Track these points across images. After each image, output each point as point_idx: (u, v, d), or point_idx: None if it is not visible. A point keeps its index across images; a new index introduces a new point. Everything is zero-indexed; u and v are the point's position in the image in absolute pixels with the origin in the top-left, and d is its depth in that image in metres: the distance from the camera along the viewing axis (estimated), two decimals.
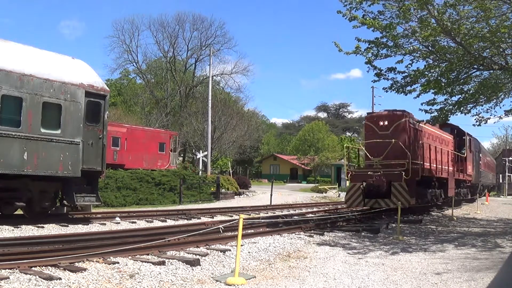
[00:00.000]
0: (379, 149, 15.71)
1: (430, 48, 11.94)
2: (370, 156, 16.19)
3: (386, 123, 16.05)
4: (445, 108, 12.98)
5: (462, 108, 13.05)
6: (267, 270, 7.03)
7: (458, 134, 23.86)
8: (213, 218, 15.28)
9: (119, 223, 13.22)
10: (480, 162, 29.43)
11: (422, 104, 13.88)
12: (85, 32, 72.89)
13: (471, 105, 13.39)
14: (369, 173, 15.56)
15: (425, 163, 16.90)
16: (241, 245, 7.00)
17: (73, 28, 76.23)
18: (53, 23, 71.66)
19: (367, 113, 17.74)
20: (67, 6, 68.48)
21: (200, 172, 33.56)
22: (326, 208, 20.97)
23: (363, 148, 17.57)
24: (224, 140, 46.66)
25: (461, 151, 23.25)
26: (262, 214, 16.92)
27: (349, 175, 16.54)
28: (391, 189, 14.98)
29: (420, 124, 17.15)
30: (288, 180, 60.76)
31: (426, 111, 14.15)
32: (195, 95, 54.89)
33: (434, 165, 17.90)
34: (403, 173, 14.79)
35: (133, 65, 57.66)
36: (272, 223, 12.29)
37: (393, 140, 15.41)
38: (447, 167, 19.93)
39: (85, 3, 68.96)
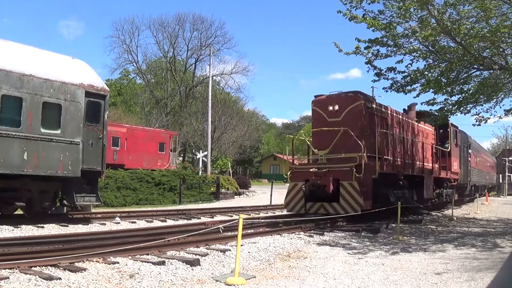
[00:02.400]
0: (327, 139, 13.05)
1: (430, 48, 11.95)
2: (314, 149, 13.49)
3: (336, 107, 13.30)
4: (445, 108, 12.99)
5: (462, 108, 13.06)
6: (267, 270, 7.02)
7: (441, 126, 20.25)
8: (213, 218, 15.27)
9: (119, 223, 13.23)
10: (470, 159, 26.18)
11: (422, 104, 13.93)
12: (84, 32, 72.97)
13: (471, 105, 13.40)
14: (311, 170, 12.88)
15: (387, 158, 14.16)
16: (241, 245, 7.00)
17: (72, 28, 76.29)
18: (52, 23, 71.71)
19: (315, 96, 14.31)
20: (66, 5, 68.54)
21: (200, 172, 33.57)
22: None
23: (308, 139, 14.56)
24: (224, 140, 46.68)
25: (443, 145, 19.99)
26: (262, 214, 16.93)
27: (289, 173, 13.69)
28: (339, 190, 12.43)
29: (384, 110, 14.63)
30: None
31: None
32: (195, 95, 54.90)
33: (402, 160, 15.21)
34: (355, 169, 12.19)
35: (133, 65, 57.70)
36: (272, 223, 12.28)
37: (341, 128, 12.70)
38: (422, 163, 16.89)
39: (84, 3, 69.06)
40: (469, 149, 25.83)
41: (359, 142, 12.34)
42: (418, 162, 16.69)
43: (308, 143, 14.05)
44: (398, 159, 15.13)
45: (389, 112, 15.02)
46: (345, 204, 12.26)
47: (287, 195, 13.54)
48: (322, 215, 12.44)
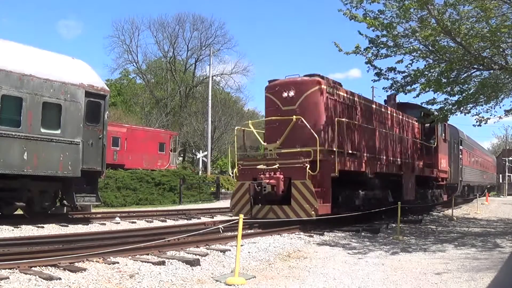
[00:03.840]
0: (281, 131, 11.50)
1: (430, 48, 11.94)
2: (263, 142, 11.89)
3: (291, 94, 11.60)
4: (445, 108, 12.98)
5: (462, 108, 13.04)
6: (267, 270, 7.02)
7: (425, 118, 17.72)
8: (213, 218, 15.27)
9: (119, 223, 13.23)
10: (461, 156, 24.09)
11: (422, 103, 13.90)
12: (83, 32, 72.97)
13: (471, 105, 13.38)
14: (258, 166, 11.18)
15: (353, 153, 12.45)
16: (241, 245, 7.00)
17: (71, 27, 76.29)
18: (51, 23, 71.69)
19: (269, 81, 12.60)
20: (65, 5, 68.51)
21: (200, 172, 33.56)
22: None
23: (259, 131, 13.05)
24: (224, 140, 46.66)
25: (429, 141, 17.99)
26: None
27: (235, 170, 11.90)
28: (291, 191, 10.79)
29: (353, 98, 13.03)
30: None
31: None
32: (195, 95, 54.88)
33: (373, 156, 13.41)
34: (308, 166, 10.58)
35: (133, 65, 57.64)
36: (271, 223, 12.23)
37: (293, 117, 11.05)
38: (400, 160, 15.19)
39: (83, 3, 69.05)
40: (460, 146, 23.88)
41: (314, 133, 10.69)
42: (395, 159, 14.95)
43: (257, 135, 12.26)
44: (368, 155, 13.24)
45: (359, 100, 13.39)
46: (297, 208, 10.57)
47: (233, 196, 11.88)
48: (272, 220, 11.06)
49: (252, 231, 10.84)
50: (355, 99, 13.27)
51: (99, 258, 6.72)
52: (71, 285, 5.51)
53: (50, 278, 5.54)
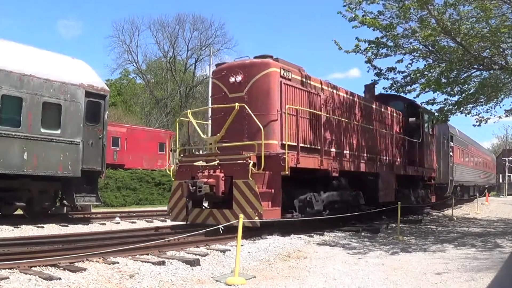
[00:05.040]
0: (225, 122, 10.09)
1: (430, 48, 11.95)
2: (203, 135, 10.67)
3: (239, 78, 10.17)
4: (445, 108, 12.99)
5: (462, 108, 13.05)
6: (267, 270, 7.02)
7: (411, 112, 16.45)
8: None
9: (119, 223, 13.23)
10: (452, 153, 22.02)
11: (422, 103, 13.91)
12: (83, 32, 72.98)
13: (471, 105, 13.39)
14: (196, 163, 9.78)
15: (314, 147, 10.87)
16: (241, 245, 6.99)
17: (71, 27, 76.28)
18: (51, 23, 71.69)
19: (216, 65, 11.50)
20: (64, 5, 68.50)
21: None
22: None
23: (199, 121, 11.27)
24: None
25: (414, 136, 16.23)
26: None
27: (172, 168, 10.69)
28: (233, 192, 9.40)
29: (316, 85, 11.50)
30: None
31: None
32: (195, 95, 54.88)
33: (338, 151, 11.80)
34: (251, 162, 9.19)
35: (133, 65, 57.65)
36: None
37: (236, 105, 9.59)
38: (375, 156, 13.56)
39: (82, 3, 69.03)
40: (451, 142, 21.90)
41: (259, 124, 9.29)
42: (369, 155, 13.33)
43: (196, 126, 10.87)
44: (333, 150, 11.68)
45: (324, 87, 11.80)
46: (239, 212, 8.85)
47: (170, 198, 10.50)
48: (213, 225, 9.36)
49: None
50: (319, 85, 11.59)
51: (99, 258, 6.72)
52: (71, 285, 5.51)
53: (50, 278, 5.54)
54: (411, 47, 12.15)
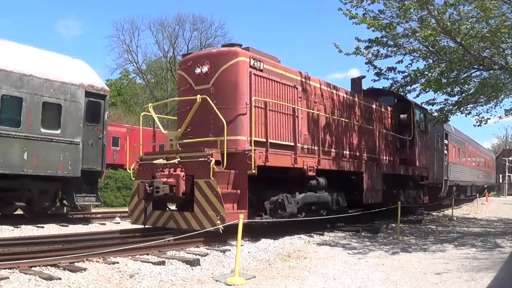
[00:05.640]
0: (184, 114, 9.47)
1: (430, 48, 11.95)
2: (163, 130, 10.10)
3: (205, 69, 9.48)
4: (445, 108, 12.99)
5: (462, 108, 13.05)
6: (267, 270, 7.02)
7: (403, 108, 15.64)
8: None
9: (119, 223, 13.23)
10: (447, 151, 21.03)
11: (422, 104, 13.91)
12: (83, 32, 72.97)
13: (471, 105, 13.40)
14: (156, 161, 9.18)
15: (280, 143, 9.89)
16: (241, 245, 6.99)
17: (71, 27, 76.25)
18: (51, 23, 71.67)
19: (183, 55, 10.88)
20: (64, 5, 68.47)
21: None
22: None
23: (160, 116, 10.14)
24: None
25: (404, 133, 15.41)
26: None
27: (132, 166, 10.00)
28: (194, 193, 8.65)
29: (292, 76, 10.64)
30: None
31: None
32: None
33: (317, 149, 10.85)
34: (213, 160, 8.40)
35: (133, 65, 57.63)
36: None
37: (198, 97, 8.90)
38: (360, 154, 12.76)
39: (82, 3, 69.01)
40: (446, 140, 20.79)
41: (222, 118, 8.56)
42: (353, 153, 12.57)
43: (157, 121, 10.22)
44: (310, 147, 10.86)
45: (302, 80, 10.99)
46: (200, 215, 8.41)
47: (131, 199, 9.89)
48: (173, 229, 8.93)
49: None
50: (297, 77, 10.84)
51: (99, 258, 6.72)
52: (71, 285, 5.51)
53: (50, 278, 5.54)
54: (411, 47, 12.16)
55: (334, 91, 12.32)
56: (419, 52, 12.23)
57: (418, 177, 16.46)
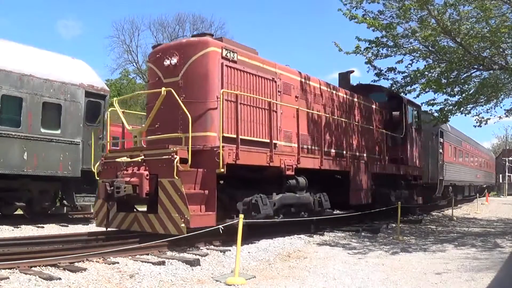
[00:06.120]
0: (160, 111, 8.76)
1: (430, 48, 11.96)
2: (128, 126, 9.40)
3: (174, 61, 8.92)
4: (445, 109, 13.00)
5: (462, 108, 13.06)
6: (267, 270, 7.03)
7: (395, 104, 15.00)
8: None
9: None
10: (443, 150, 20.27)
11: (422, 104, 13.91)
12: (83, 32, 72.94)
13: (471, 106, 13.41)
14: (119, 159, 8.50)
15: (254, 140, 9.22)
16: (241, 245, 6.99)
17: (71, 27, 76.20)
18: (50, 23, 71.60)
19: (152, 46, 10.12)
20: (64, 5, 68.40)
21: None
22: None
23: (126, 111, 10.37)
24: None
25: (396, 130, 14.83)
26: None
27: (97, 165, 9.28)
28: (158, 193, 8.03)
29: (270, 68, 10.03)
30: None
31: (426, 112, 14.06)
32: None
33: (296, 146, 10.20)
34: (177, 158, 7.76)
35: (133, 65, 57.67)
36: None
37: (162, 89, 8.30)
38: (346, 153, 12.07)
39: (82, 3, 68.94)
40: (441, 138, 19.94)
41: (187, 112, 7.92)
42: (338, 151, 11.90)
43: (121, 116, 9.41)
44: (288, 144, 10.17)
45: (282, 73, 10.39)
46: (165, 218, 7.82)
47: (96, 200, 9.44)
48: (138, 232, 8.35)
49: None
50: (276, 70, 10.21)
51: (99, 258, 6.72)
52: (71, 285, 5.51)
53: (50, 278, 5.54)
54: (411, 47, 12.17)
55: (318, 86, 11.63)
56: (419, 52, 12.23)
57: (410, 176, 15.81)
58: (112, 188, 7.94)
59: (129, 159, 8.42)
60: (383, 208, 13.17)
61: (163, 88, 8.34)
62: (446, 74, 12.03)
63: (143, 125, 9.12)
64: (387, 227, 12.77)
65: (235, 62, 9.14)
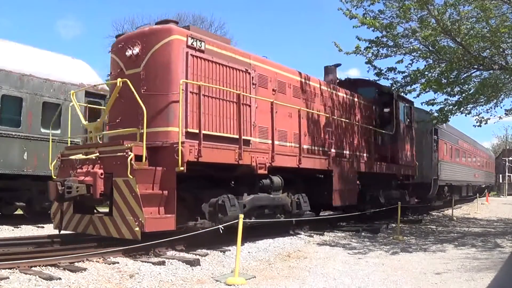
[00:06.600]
0: (120, 104, 8.17)
1: (430, 48, 11.96)
2: (84, 121, 8.89)
3: (136, 51, 8.24)
4: (445, 109, 13.00)
5: (462, 108, 13.06)
6: (267, 270, 7.03)
7: (385, 100, 14.33)
8: None
9: None
10: (437, 148, 19.28)
11: (422, 104, 13.91)
12: (83, 32, 72.92)
13: (471, 106, 13.41)
14: (73, 157, 7.92)
15: (219, 135, 8.43)
16: (241, 245, 6.99)
17: (70, 27, 76.13)
18: (50, 23, 71.54)
19: (116, 37, 9.66)
20: (63, 5, 68.37)
21: None
22: None
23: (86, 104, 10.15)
24: None
25: (385, 127, 14.12)
26: None
27: (54, 162, 8.55)
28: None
29: (242, 59, 9.29)
30: None
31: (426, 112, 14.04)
32: None
33: (270, 142, 9.44)
34: (130, 155, 7.07)
35: None
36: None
37: (118, 81, 7.70)
38: (329, 150, 11.27)
39: (81, 3, 68.92)
40: (435, 135, 19.03)
41: (142, 105, 7.23)
42: (320, 148, 11.18)
43: (78, 110, 8.82)
44: (261, 140, 9.44)
45: (257, 64, 9.67)
46: (119, 221, 7.18)
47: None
48: (93, 235, 7.78)
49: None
50: (250, 61, 9.47)
51: (99, 258, 6.72)
52: (71, 285, 5.51)
53: (50, 278, 5.54)
54: (411, 47, 12.17)
55: (298, 79, 10.93)
56: (419, 52, 12.23)
57: (402, 176, 15.10)
58: (63, 188, 7.24)
59: (83, 157, 7.81)
60: (370, 211, 12.66)
61: (119, 79, 7.75)
62: (446, 74, 12.03)
63: (98, 120, 8.58)
64: (387, 227, 12.77)
65: (202, 51, 8.44)
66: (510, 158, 51.01)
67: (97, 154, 7.66)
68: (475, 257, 8.49)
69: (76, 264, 6.41)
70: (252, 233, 8.81)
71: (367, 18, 11.48)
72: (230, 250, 7.90)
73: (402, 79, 12.88)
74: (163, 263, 6.77)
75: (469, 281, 6.39)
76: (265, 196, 9.10)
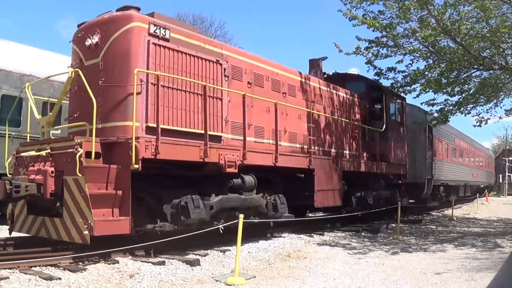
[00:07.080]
0: (80, 97, 7.69)
1: (430, 48, 11.97)
2: (37, 115, 8.47)
3: (95, 40, 7.65)
4: (445, 109, 13.01)
5: (462, 108, 13.08)
6: (267, 270, 7.03)
7: (375, 95, 13.78)
8: None
9: None
10: (431, 147, 18.36)
11: (422, 104, 13.92)
12: None
13: (471, 106, 13.43)
14: (24, 154, 7.56)
15: (182, 130, 7.73)
16: (241, 245, 6.99)
17: (70, 27, 76.17)
18: (50, 23, 71.53)
19: (78, 25, 8.52)
20: (63, 5, 68.33)
21: None
22: None
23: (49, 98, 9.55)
24: None
25: (375, 123, 13.46)
26: None
27: (10, 159, 8.07)
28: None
29: (214, 49, 8.63)
30: None
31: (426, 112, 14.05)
32: None
33: (241, 139, 8.66)
34: (79, 152, 6.54)
35: None
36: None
37: (70, 70, 7.44)
38: (310, 148, 10.45)
39: (81, 3, 68.92)
40: (430, 133, 18.14)
41: (93, 98, 6.66)
42: (298, 145, 10.45)
43: (32, 105, 8.42)
44: (231, 136, 8.70)
45: (230, 54, 8.99)
46: (69, 223, 6.68)
47: None
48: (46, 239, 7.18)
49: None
50: (222, 51, 8.80)
51: (99, 258, 6.72)
52: (71, 285, 5.51)
53: (50, 278, 5.55)
54: (411, 47, 12.18)
55: (277, 71, 10.19)
56: (419, 52, 12.24)
57: (392, 175, 14.40)
58: (11, 187, 6.74)
59: (35, 153, 7.33)
60: (358, 213, 12.35)
61: (70, 70, 7.35)
62: (446, 74, 12.04)
63: (50, 114, 8.04)
64: (387, 227, 12.78)
65: (166, 40, 7.79)
66: (510, 158, 51.00)
67: (48, 150, 7.15)
68: (475, 257, 8.49)
69: (76, 264, 6.41)
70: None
71: (367, 19, 11.50)
72: (230, 250, 7.90)
73: (402, 79, 12.90)
74: (163, 263, 6.77)
75: (469, 281, 6.39)
76: (236, 196, 8.43)
